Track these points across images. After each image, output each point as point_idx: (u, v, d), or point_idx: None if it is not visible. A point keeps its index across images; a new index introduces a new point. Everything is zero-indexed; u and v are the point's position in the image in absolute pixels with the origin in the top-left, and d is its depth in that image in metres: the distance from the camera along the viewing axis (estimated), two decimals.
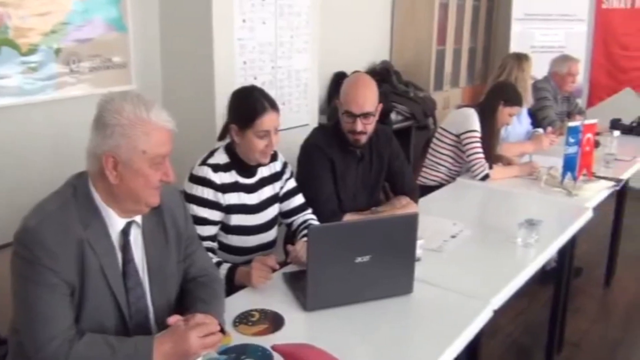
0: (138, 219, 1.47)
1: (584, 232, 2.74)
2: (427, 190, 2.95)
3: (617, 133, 3.86)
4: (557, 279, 2.71)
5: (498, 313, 1.78)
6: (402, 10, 4.90)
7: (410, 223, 1.79)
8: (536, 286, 3.26)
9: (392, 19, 4.92)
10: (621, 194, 3.54)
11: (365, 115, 2.31)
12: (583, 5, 5.39)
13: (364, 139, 2.37)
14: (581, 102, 4.73)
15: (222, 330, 1.43)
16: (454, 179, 3.07)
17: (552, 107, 4.00)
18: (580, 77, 5.04)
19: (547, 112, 3.92)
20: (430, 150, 3.23)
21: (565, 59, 4.27)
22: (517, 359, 2.93)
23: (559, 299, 2.72)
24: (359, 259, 1.69)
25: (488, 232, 2.35)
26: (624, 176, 3.18)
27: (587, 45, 5.38)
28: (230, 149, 2.07)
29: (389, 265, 1.74)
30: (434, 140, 3.22)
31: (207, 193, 2.00)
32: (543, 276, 2.97)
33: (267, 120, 1.99)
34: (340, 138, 2.39)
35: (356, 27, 4.49)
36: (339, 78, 4.07)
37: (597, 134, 3.79)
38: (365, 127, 2.34)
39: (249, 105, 2.01)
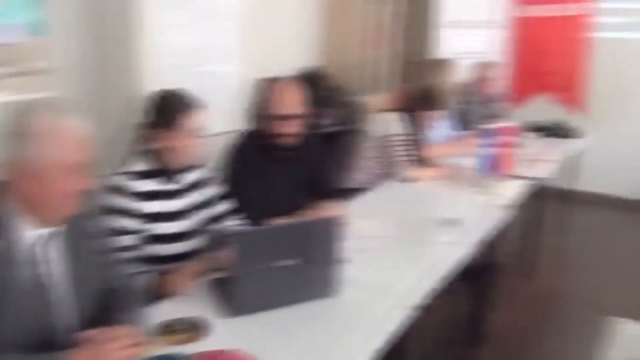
0: (57, 228, 1.44)
1: (507, 229, 2.87)
2: (354, 192, 3.01)
3: (536, 134, 4.09)
4: (480, 274, 2.83)
5: (423, 311, 1.84)
6: (333, 15, 4.96)
7: (334, 226, 1.82)
8: (462, 282, 3.37)
9: (323, 24, 4.97)
10: (540, 192, 3.70)
11: (291, 117, 2.34)
12: (505, 12, 5.62)
13: (290, 141, 2.40)
14: (503, 105, 4.92)
15: (143, 342, 1.41)
16: (380, 181, 3.15)
17: (475, 110, 4.17)
18: (502, 81, 5.26)
19: (470, 115, 4.08)
20: (358, 154, 3.30)
21: (486, 63, 4.48)
22: (443, 355, 3.02)
23: (481, 294, 2.85)
24: (284, 263, 1.71)
25: (412, 232, 2.43)
26: (543, 175, 3.36)
27: (509, 50, 5.62)
28: (150, 156, 2.04)
29: (314, 268, 1.78)
30: (362, 143, 3.30)
31: (126, 202, 1.96)
32: (468, 272, 3.09)
33: (193, 119, 1.99)
34: (266, 142, 2.41)
35: (286, 31, 4.51)
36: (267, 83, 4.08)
37: (517, 135, 3.99)
38: (292, 130, 2.37)
39: (174, 105, 2.00)
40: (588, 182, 5.14)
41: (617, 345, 1.62)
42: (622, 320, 1.76)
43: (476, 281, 2.85)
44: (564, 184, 4.60)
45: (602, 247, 4.58)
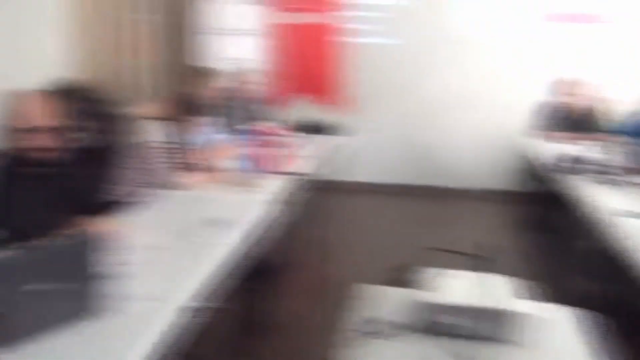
0: None
1: (281, 224, 3.02)
2: (122, 205, 2.93)
3: (299, 133, 4.39)
4: (261, 270, 2.96)
5: (205, 312, 1.90)
6: (87, 25, 4.74)
7: (98, 241, 1.77)
8: (243, 279, 3.46)
9: (76, 34, 4.73)
10: (309, 186, 3.94)
11: (39, 130, 2.22)
12: (264, 20, 5.92)
13: (43, 156, 2.27)
14: (266, 107, 5.17)
15: None
16: (149, 191, 3.11)
17: (239, 113, 4.34)
18: (266, 85, 5.53)
19: (234, 118, 4.23)
20: (124, 165, 3.22)
21: (249, 69, 4.69)
22: (231, 353, 3.05)
23: (262, 289, 2.98)
24: (43, 287, 1.61)
25: (184, 238, 2.43)
26: (307, 170, 3.61)
27: (272, 56, 5.94)
28: None
29: (75, 290, 1.70)
30: (127, 154, 3.22)
31: None
32: (249, 270, 3.19)
33: None
34: (18, 159, 2.25)
35: (34, 43, 4.21)
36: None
37: (283, 134, 4.25)
38: (43, 144, 2.24)
39: None
40: (355, 173, 5.65)
41: (362, 307, 1.82)
42: (369, 285, 1.96)
43: (257, 277, 2.97)
44: (333, 177, 5.02)
45: (369, 228, 5.06)
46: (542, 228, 4.69)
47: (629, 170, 3.25)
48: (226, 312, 3.33)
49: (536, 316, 1.69)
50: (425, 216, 5.50)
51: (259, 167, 3.19)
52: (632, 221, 2.68)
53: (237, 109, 4.36)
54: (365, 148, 6.02)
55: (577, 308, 1.86)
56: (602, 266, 2.81)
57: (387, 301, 1.82)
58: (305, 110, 5.40)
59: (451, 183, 6.14)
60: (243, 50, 5.79)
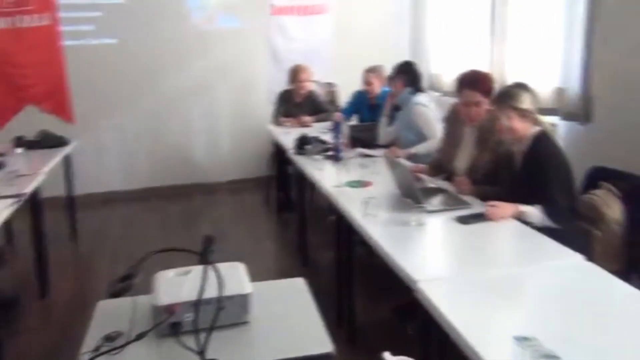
0: None
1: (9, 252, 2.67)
2: None
3: (20, 150, 4.00)
4: None
5: None
6: None
7: None
8: None
9: None
10: (34, 206, 3.60)
11: None
12: None
13: None
14: None
15: None
16: None
17: None
18: None
19: None
20: None
21: None
22: None
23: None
24: None
25: None
26: (28, 190, 3.27)
27: None
28: None
29: None
30: None
31: None
32: None
33: None
34: None
35: None
36: None
37: (1, 154, 3.83)
38: None
39: None
40: (83, 185, 5.30)
41: (98, 323, 1.74)
42: (107, 300, 1.87)
43: None
44: (61, 192, 4.66)
45: (117, 239, 4.81)
46: (291, 208, 4.98)
47: (347, 146, 3.61)
48: None
49: (270, 293, 1.81)
50: (175, 217, 5.41)
51: None
52: (349, 190, 3.00)
53: None
54: (102, 156, 5.77)
55: (308, 277, 2.00)
56: (339, 233, 3.07)
57: (125, 312, 1.75)
58: (29, 122, 4.88)
59: (203, 178, 6.16)
60: None
